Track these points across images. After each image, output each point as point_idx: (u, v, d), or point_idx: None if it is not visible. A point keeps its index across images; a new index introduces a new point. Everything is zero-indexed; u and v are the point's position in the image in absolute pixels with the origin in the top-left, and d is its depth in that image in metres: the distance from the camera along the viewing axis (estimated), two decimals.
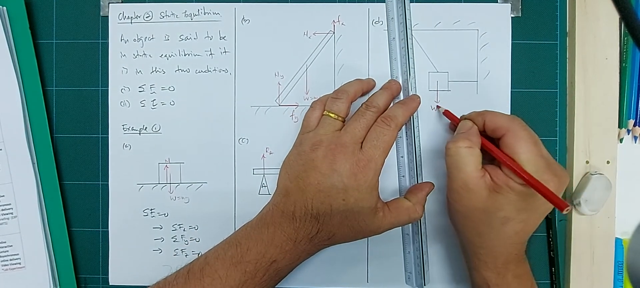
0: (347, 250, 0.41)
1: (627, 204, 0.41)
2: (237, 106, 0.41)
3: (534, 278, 0.36)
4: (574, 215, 0.40)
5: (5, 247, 0.40)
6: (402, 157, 0.40)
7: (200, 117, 0.41)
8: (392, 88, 0.39)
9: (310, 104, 0.39)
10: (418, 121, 0.40)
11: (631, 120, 0.41)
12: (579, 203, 0.39)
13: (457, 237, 0.38)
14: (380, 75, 0.40)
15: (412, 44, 0.40)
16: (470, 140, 0.34)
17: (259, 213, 0.37)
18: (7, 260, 0.40)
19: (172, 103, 0.41)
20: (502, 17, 0.40)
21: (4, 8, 0.39)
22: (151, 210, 0.41)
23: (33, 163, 0.40)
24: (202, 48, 0.41)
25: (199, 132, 0.41)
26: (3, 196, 0.40)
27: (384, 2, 0.40)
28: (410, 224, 0.40)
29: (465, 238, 0.36)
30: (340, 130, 0.36)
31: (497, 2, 0.40)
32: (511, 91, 0.40)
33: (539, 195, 0.31)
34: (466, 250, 0.36)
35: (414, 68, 0.40)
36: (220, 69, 0.41)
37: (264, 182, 0.41)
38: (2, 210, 0.40)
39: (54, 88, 0.41)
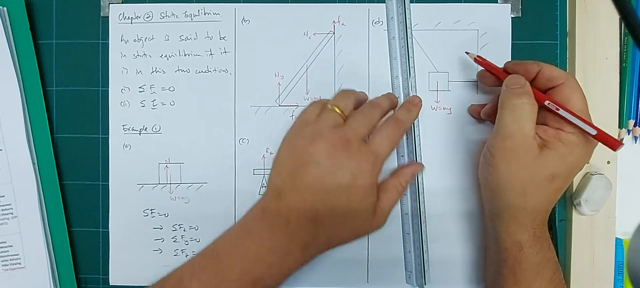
0: (347, 250, 0.41)
1: (627, 204, 0.41)
2: (237, 106, 0.41)
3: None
4: (574, 215, 0.40)
5: (6, 247, 0.40)
6: (402, 156, 0.40)
7: (201, 117, 0.41)
8: (392, 98, 0.38)
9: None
10: (418, 121, 0.40)
11: (631, 120, 0.41)
12: (579, 203, 0.39)
13: (482, 214, 0.37)
14: (381, 75, 0.40)
15: (412, 43, 0.40)
16: (531, 96, 0.32)
17: (243, 218, 0.33)
18: (7, 260, 0.40)
19: (172, 103, 0.41)
20: (502, 17, 0.40)
21: (4, 8, 0.39)
22: (151, 210, 0.41)
23: (33, 164, 0.40)
24: (202, 48, 0.41)
25: (199, 132, 0.41)
26: (3, 196, 0.40)
27: (384, 2, 0.40)
28: (410, 224, 0.40)
29: (503, 201, 0.33)
30: (343, 126, 0.33)
31: (497, 2, 0.40)
32: None
33: (584, 146, 0.32)
34: (501, 215, 0.34)
35: (414, 67, 0.40)
36: (220, 69, 0.41)
37: (264, 182, 0.41)
38: (2, 210, 0.40)
39: (54, 88, 0.42)
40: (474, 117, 0.40)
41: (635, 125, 0.41)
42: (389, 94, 0.39)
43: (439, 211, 0.40)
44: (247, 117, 0.41)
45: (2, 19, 0.39)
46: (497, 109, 0.34)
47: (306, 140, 0.32)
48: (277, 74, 0.41)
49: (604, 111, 0.40)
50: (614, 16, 0.40)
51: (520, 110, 0.32)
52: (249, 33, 0.41)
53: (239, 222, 0.33)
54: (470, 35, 0.40)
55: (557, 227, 0.40)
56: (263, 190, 0.41)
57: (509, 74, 0.35)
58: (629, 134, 0.41)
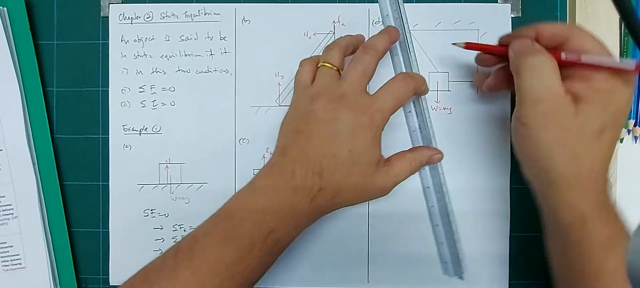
0: (347, 250, 0.41)
1: (627, 204, 0.41)
2: (237, 106, 0.41)
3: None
4: None
5: (6, 247, 0.40)
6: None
7: (201, 118, 0.41)
8: (391, 32, 0.36)
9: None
10: (431, 119, 0.39)
11: (631, 120, 0.41)
12: None
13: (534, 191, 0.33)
14: (381, 75, 0.40)
15: (411, 39, 0.40)
16: (546, 51, 0.29)
17: (252, 179, 0.33)
18: (8, 261, 0.40)
19: (172, 103, 0.41)
20: (502, 17, 0.40)
21: (5, 9, 0.39)
22: (152, 210, 0.41)
23: (33, 164, 0.40)
24: (202, 48, 0.41)
25: (199, 132, 0.41)
26: (4, 196, 0.40)
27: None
28: (439, 214, 0.40)
29: (554, 173, 0.30)
30: (338, 80, 0.33)
31: (497, 2, 0.40)
32: (512, 91, 0.40)
33: (621, 86, 0.29)
34: (555, 189, 0.30)
35: (416, 61, 0.39)
36: (220, 70, 0.41)
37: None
38: (3, 210, 0.40)
39: (55, 89, 0.42)
40: (482, 90, 0.39)
41: (635, 125, 0.41)
42: (387, 28, 0.37)
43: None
44: (247, 117, 0.41)
45: (2, 19, 0.39)
46: (500, 81, 0.33)
47: (306, 100, 0.33)
48: (277, 74, 0.41)
49: None
50: (614, 16, 0.40)
51: (541, 68, 0.29)
52: (249, 33, 0.41)
53: (247, 183, 0.33)
54: (470, 35, 0.40)
55: None
56: None
57: (506, 46, 0.33)
58: (629, 134, 0.41)
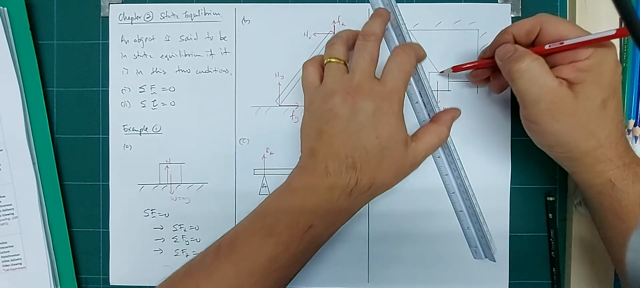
0: (347, 250, 0.41)
1: None
2: (237, 106, 0.41)
3: None
4: (574, 215, 0.40)
5: (6, 247, 0.40)
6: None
7: (201, 118, 0.41)
8: (382, 13, 0.36)
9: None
10: (429, 83, 0.39)
11: (631, 120, 0.41)
12: (579, 203, 0.39)
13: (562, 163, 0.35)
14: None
15: (399, 11, 0.39)
16: (530, 54, 0.31)
17: (285, 181, 0.34)
18: (8, 261, 0.40)
19: (172, 103, 0.41)
20: (502, 17, 0.40)
21: (5, 9, 0.39)
22: (152, 210, 0.41)
23: (34, 164, 0.40)
24: (202, 48, 0.41)
25: (199, 132, 0.41)
26: (4, 196, 0.40)
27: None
28: (462, 201, 0.40)
29: (578, 151, 0.32)
30: (348, 73, 0.34)
31: (497, 2, 0.40)
32: (511, 91, 0.40)
33: (605, 56, 0.30)
34: (582, 164, 0.32)
35: (408, 33, 0.39)
36: (220, 70, 0.41)
37: (264, 182, 0.41)
38: (3, 210, 0.40)
39: (55, 89, 0.42)
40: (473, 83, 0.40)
41: (635, 125, 0.41)
42: (377, 11, 0.37)
43: (436, 210, 0.40)
44: (247, 117, 0.41)
45: (2, 19, 0.39)
46: (499, 84, 0.35)
47: (321, 101, 0.33)
48: (277, 74, 0.41)
49: None
50: (614, 16, 0.40)
51: (530, 71, 0.31)
52: (249, 33, 0.41)
53: (279, 186, 0.34)
54: (470, 35, 0.40)
55: (557, 227, 0.40)
56: (263, 190, 0.41)
57: (491, 57, 0.34)
58: (629, 134, 0.41)
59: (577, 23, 0.40)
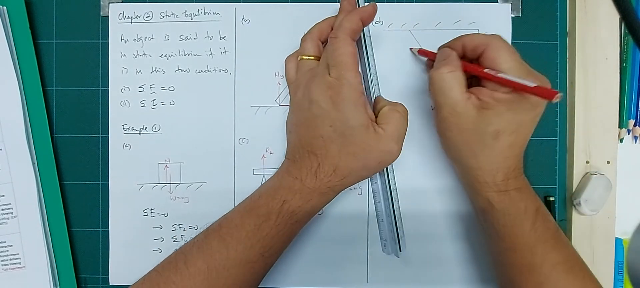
0: (347, 250, 0.41)
1: (627, 204, 0.41)
2: (237, 106, 0.41)
3: (533, 189, 0.36)
4: (574, 215, 0.40)
5: (5, 246, 0.40)
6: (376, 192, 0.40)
7: (200, 117, 0.41)
8: (344, 5, 0.36)
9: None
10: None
11: (631, 120, 0.41)
12: (579, 203, 0.39)
13: (456, 172, 0.39)
14: (381, 75, 0.40)
15: (369, 32, 0.39)
16: (452, 65, 0.33)
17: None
18: (7, 260, 0.40)
19: (172, 103, 0.41)
20: (502, 17, 0.40)
21: (4, 8, 0.39)
22: (151, 210, 0.41)
23: (33, 163, 0.40)
24: (202, 48, 0.41)
25: (199, 132, 0.41)
26: (3, 196, 0.40)
27: (385, 2, 0.40)
28: (380, 191, 0.40)
29: (462, 165, 0.36)
30: (314, 67, 0.36)
31: (497, 2, 0.40)
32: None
33: (526, 101, 0.32)
34: (466, 177, 0.36)
35: (373, 56, 0.39)
36: (220, 69, 0.41)
37: (264, 182, 0.41)
38: (2, 210, 0.40)
39: (54, 88, 0.42)
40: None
41: (635, 125, 0.41)
42: (341, 6, 0.37)
43: (436, 211, 0.40)
44: (247, 117, 0.41)
45: (2, 19, 0.39)
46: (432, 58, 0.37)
47: (293, 95, 0.38)
48: (277, 74, 0.41)
49: (604, 111, 0.40)
50: (614, 16, 0.40)
51: (443, 81, 0.33)
52: (249, 33, 0.41)
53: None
54: None
55: None
56: None
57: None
58: (629, 134, 0.41)
59: (576, 23, 0.40)
